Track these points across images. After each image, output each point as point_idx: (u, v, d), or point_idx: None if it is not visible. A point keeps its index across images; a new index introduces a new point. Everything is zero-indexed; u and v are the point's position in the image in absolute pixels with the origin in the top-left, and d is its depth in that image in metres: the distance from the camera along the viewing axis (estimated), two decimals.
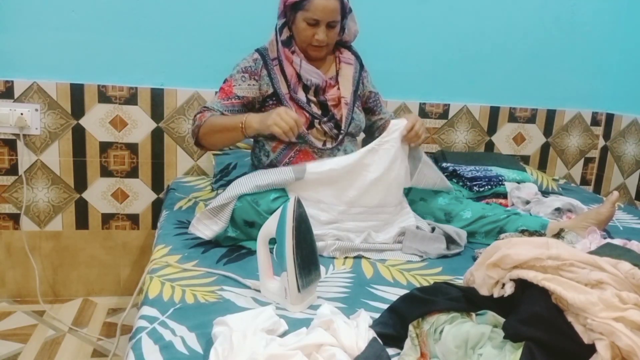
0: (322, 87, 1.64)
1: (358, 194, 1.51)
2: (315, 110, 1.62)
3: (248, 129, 1.48)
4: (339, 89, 1.66)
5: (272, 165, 1.63)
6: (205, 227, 1.41)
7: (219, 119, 1.56)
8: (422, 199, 1.67)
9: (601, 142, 2.66)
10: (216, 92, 1.67)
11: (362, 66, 1.75)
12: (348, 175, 1.51)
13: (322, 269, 1.27)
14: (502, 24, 2.40)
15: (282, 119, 1.40)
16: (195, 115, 1.60)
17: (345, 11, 1.61)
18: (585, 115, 2.61)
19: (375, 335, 0.94)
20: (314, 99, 1.63)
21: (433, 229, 1.56)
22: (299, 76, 1.61)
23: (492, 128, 2.51)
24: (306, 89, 1.63)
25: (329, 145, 1.62)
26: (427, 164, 1.63)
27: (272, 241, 1.16)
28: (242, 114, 1.55)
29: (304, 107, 1.60)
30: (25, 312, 2.09)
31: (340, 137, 1.63)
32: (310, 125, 1.61)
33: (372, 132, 1.83)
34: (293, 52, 1.62)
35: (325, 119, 1.62)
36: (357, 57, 1.75)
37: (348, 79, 1.68)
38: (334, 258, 1.43)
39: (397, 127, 1.58)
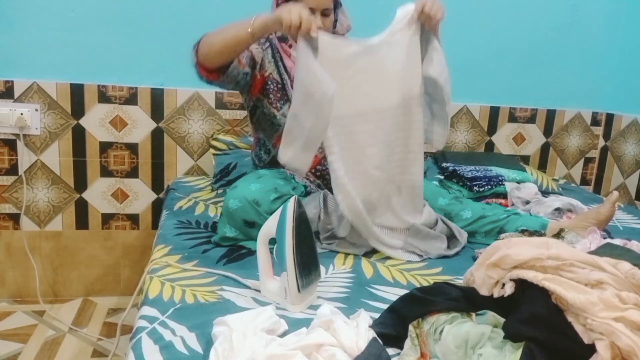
0: None
1: (375, 96, 1.39)
2: None
3: (256, 22, 1.33)
4: None
5: (273, 162, 1.62)
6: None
7: (220, 27, 1.44)
8: None
9: (601, 142, 2.66)
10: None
11: None
12: (368, 72, 1.39)
13: (322, 269, 1.27)
14: (502, 24, 2.40)
15: (293, 11, 1.27)
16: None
17: (336, 1, 1.60)
18: (585, 115, 2.61)
19: (375, 335, 0.94)
20: None
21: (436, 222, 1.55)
22: None
23: (492, 128, 2.51)
24: None
25: None
26: (437, 50, 1.45)
27: (272, 241, 1.16)
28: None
29: None
30: (25, 312, 2.09)
31: None
32: None
33: None
34: (290, 46, 1.62)
35: None
36: None
37: None
38: (334, 252, 1.44)
39: (405, 14, 1.41)
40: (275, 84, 1.61)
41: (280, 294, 1.13)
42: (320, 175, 1.63)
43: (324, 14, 1.55)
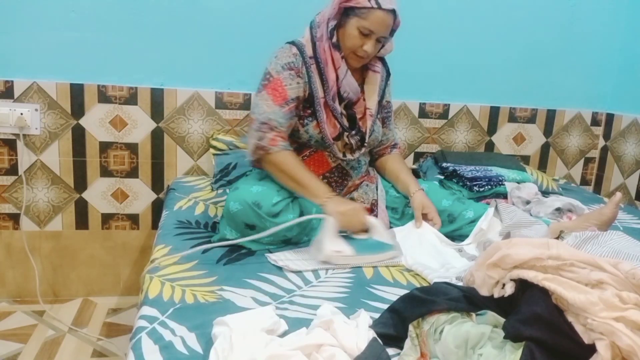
0: (354, 101, 1.61)
1: None
2: (345, 122, 1.58)
3: (329, 205, 1.39)
4: (364, 99, 1.63)
5: None
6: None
7: (297, 167, 1.47)
8: None
9: (601, 142, 2.66)
10: (260, 90, 1.54)
11: (388, 74, 1.70)
12: None
13: (326, 266, 1.34)
14: (502, 24, 2.40)
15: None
16: (260, 128, 1.48)
17: (394, 30, 1.57)
18: (585, 115, 2.61)
19: (375, 335, 0.94)
20: (344, 111, 1.59)
21: None
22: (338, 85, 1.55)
23: (492, 128, 2.51)
24: (340, 99, 1.57)
25: (349, 157, 1.60)
26: None
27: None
28: (317, 180, 1.49)
29: (337, 117, 1.55)
30: (25, 312, 2.09)
31: (363, 149, 1.61)
32: (339, 137, 1.57)
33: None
34: (343, 58, 1.54)
35: (353, 132, 1.59)
36: (385, 64, 1.70)
37: (374, 88, 1.64)
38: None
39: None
40: (308, 99, 1.55)
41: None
42: (327, 183, 1.62)
43: (379, 40, 1.53)
